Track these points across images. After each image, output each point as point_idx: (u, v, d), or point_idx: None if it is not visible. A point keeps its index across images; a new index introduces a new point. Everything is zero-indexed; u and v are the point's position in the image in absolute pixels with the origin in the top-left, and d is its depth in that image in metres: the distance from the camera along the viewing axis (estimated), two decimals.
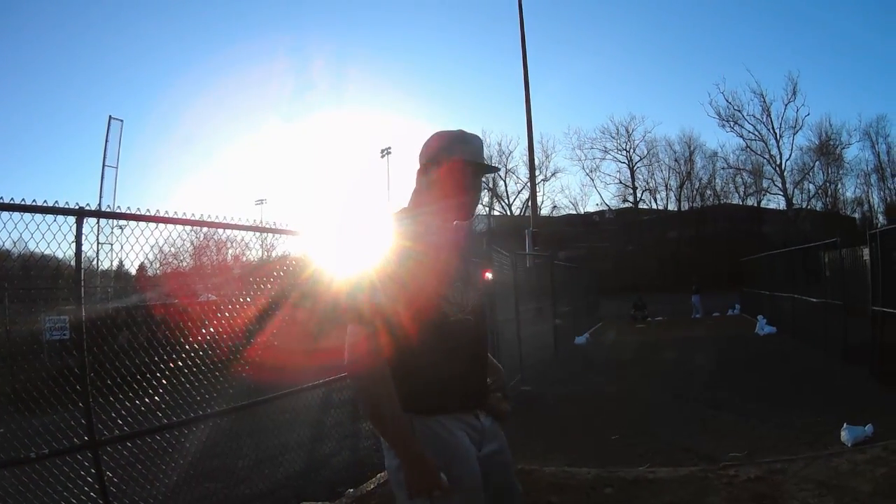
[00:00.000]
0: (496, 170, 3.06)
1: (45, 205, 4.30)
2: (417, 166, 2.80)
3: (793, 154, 60.19)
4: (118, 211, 5.11)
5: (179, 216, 5.35)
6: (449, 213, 2.72)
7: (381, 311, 2.44)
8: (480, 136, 2.81)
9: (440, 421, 2.53)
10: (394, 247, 2.53)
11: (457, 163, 2.68)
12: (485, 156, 2.85)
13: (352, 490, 6.56)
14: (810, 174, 60.67)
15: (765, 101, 59.43)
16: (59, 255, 4.60)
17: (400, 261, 2.49)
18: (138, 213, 5.04)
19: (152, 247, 5.46)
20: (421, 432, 2.48)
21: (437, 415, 2.54)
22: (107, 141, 28.52)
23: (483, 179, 2.94)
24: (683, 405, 10.43)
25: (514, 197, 66.62)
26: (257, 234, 7.20)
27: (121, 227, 5.42)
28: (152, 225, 5.22)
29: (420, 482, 2.41)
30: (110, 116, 28.87)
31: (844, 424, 7.35)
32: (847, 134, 59.89)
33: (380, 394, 2.41)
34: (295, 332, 7.55)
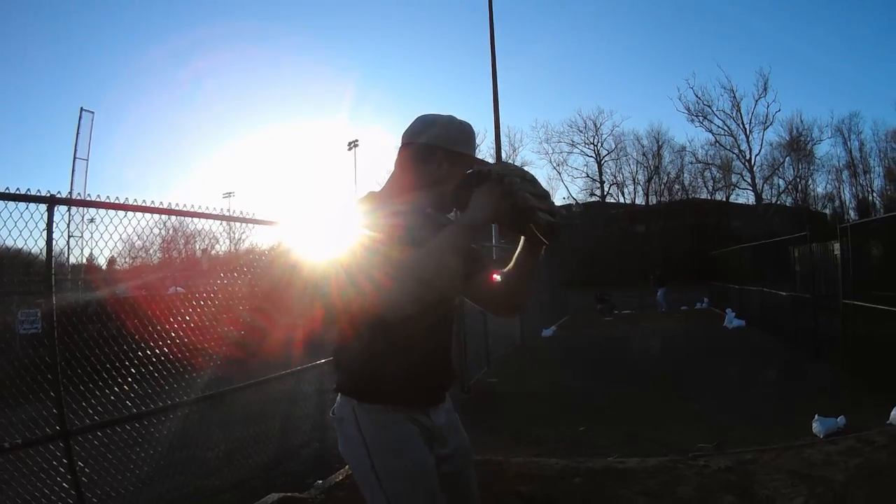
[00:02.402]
0: (481, 163, 2.81)
1: (16, 192, 4.26)
2: (400, 145, 2.61)
3: (763, 149, 60.48)
4: (90, 199, 5.05)
5: (151, 205, 5.32)
6: (421, 200, 2.56)
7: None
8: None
9: (387, 410, 2.45)
10: (367, 231, 2.32)
11: (435, 149, 2.52)
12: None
13: (320, 481, 6.54)
14: (780, 170, 61.10)
15: (735, 97, 59.51)
16: (31, 243, 4.55)
17: (368, 245, 2.28)
18: (108, 200, 4.99)
19: (120, 235, 5.40)
20: (362, 419, 2.44)
21: (383, 404, 2.45)
22: (78, 133, 28.12)
23: None
24: (651, 397, 10.50)
25: None
26: (225, 226, 7.16)
27: (92, 220, 5.36)
28: (122, 214, 5.17)
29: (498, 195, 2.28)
30: (82, 108, 28.47)
31: (816, 416, 7.42)
32: (819, 130, 60.31)
33: (416, 261, 2.21)
34: (264, 322, 7.53)
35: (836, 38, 77.91)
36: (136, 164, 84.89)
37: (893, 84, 75.99)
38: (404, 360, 2.41)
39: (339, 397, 2.57)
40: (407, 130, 2.60)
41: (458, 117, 2.62)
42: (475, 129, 2.64)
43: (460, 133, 2.59)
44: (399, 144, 2.63)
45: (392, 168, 2.64)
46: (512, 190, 2.28)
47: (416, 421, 2.50)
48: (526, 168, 2.49)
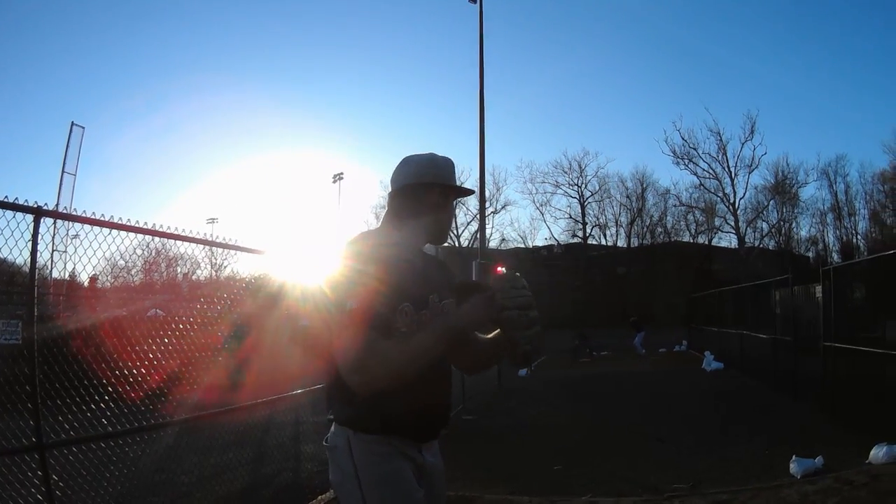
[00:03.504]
0: (469, 192, 2.91)
1: (3, 200, 4.22)
2: (391, 188, 2.75)
3: (747, 192, 60.62)
4: (77, 214, 5.01)
5: (138, 225, 5.30)
6: (418, 236, 2.71)
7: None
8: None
9: (382, 443, 2.48)
10: (347, 264, 2.45)
11: (428, 186, 2.67)
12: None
13: None
14: (764, 213, 61.41)
15: (721, 140, 59.68)
16: (15, 253, 4.50)
17: (351, 278, 2.41)
18: (94, 216, 4.95)
19: (104, 253, 5.34)
20: (356, 450, 2.47)
21: (379, 435, 2.48)
22: (67, 147, 27.90)
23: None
24: (627, 437, 10.51)
25: (462, 228, 64.44)
26: (207, 252, 7.13)
27: (76, 236, 5.30)
28: (105, 231, 5.13)
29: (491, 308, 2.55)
30: (72, 122, 28.28)
31: (793, 456, 7.40)
32: (804, 173, 60.52)
33: (394, 358, 2.34)
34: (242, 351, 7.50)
35: (825, 78, 78.93)
36: (122, 184, 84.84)
37: (882, 124, 76.80)
38: (405, 397, 2.42)
39: (333, 426, 2.60)
40: (396, 173, 2.74)
41: (438, 153, 2.76)
42: (460, 167, 2.80)
43: (446, 168, 2.76)
44: (391, 188, 2.76)
45: (386, 210, 2.78)
46: (509, 325, 2.57)
47: (408, 457, 2.53)
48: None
